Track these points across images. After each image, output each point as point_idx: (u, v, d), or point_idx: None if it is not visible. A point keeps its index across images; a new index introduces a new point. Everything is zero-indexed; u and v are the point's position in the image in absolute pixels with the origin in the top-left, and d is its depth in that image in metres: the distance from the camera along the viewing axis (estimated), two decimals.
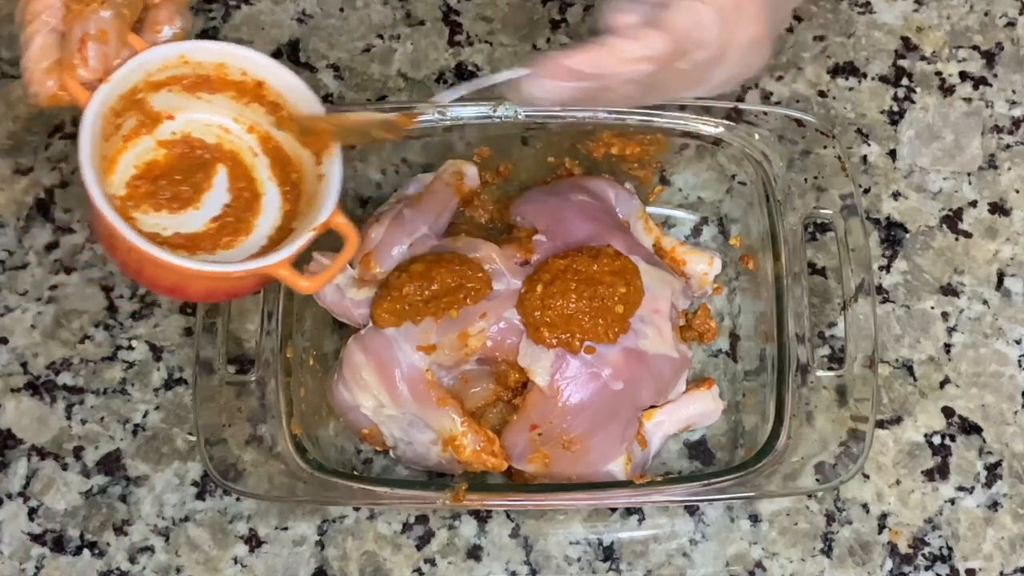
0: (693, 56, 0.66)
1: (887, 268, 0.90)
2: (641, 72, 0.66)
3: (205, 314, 0.82)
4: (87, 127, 0.69)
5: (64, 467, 0.85)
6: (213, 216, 0.75)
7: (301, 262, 0.76)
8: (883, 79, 0.96)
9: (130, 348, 0.88)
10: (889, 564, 0.82)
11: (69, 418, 0.87)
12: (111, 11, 0.68)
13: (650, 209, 0.90)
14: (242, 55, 0.73)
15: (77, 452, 0.86)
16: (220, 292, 0.75)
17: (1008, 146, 0.94)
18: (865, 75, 0.96)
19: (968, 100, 0.95)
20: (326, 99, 0.94)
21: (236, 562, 0.83)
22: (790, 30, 0.98)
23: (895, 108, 0.95)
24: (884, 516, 0.84)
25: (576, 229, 0.82)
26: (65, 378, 0.88)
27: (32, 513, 0.84)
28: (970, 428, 0.86)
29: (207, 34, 0.97)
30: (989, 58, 0.96)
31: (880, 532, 0.83)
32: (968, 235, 0.91)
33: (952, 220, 0.92)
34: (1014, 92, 0.95)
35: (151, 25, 0.71)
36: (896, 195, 0.92)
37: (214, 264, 0.71)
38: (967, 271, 0.90)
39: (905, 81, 0.96)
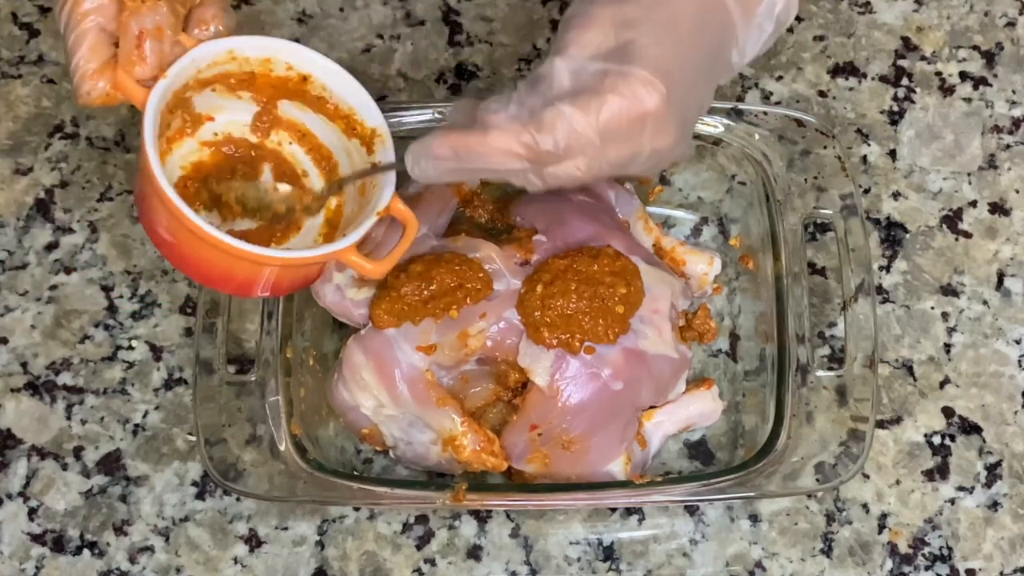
0: (571, 162, 0.66)
1: (887, 268, 0.90)
2: (512, 166, 0.66)
3: (205, 314, 0.82)
4: (150, 123, 0.68)
5: (64, 467, 0.85)
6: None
7: None
8: (883, 79, 0.96)
9: (130, 348, 0.88)
10: (889, 564, 0.82)
11: (69, 418, 0.87)
12: (167, 7, 0.68)
13: (650, 209, 0.90)
14: (289, 49, 0.74)
15: (77, 452, 0.86)
16: (283, 285, 0.75)
17: (1008, 146, 0.94)
18: (865, 75, 0.96)
19: (968, 100, 0.95)
20: None
21: (236, 562, 0.83)
22: (790, 30, 0.98)
23: (895, 108, 0.95)
24: (884, 516, 0.84)
25: (576, 229, 0.82)
26: (65, 378, 0.88)
27: (32, 513, 0.84)
28: (970, 428, 0.86)
29: None
30: (989, 58, 0.96)
31: (880, 532, 0.83)
32: (968, 235, 0.91)
33: (952, 220, 0.92)
34: (1014, 92, 0.95)
35: (197, 23, 0.71)
36: (896, 195, 0.92)
37: (289, 252, 0.72)
38: (967, 271, 0.90)
39: (905, 81, 0.96)
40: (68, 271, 0.90)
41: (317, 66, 0.74)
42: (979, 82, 0.96)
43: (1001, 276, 0.90)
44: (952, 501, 0.84)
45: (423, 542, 0.83)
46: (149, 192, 0.69)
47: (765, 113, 0.87)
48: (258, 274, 0.72)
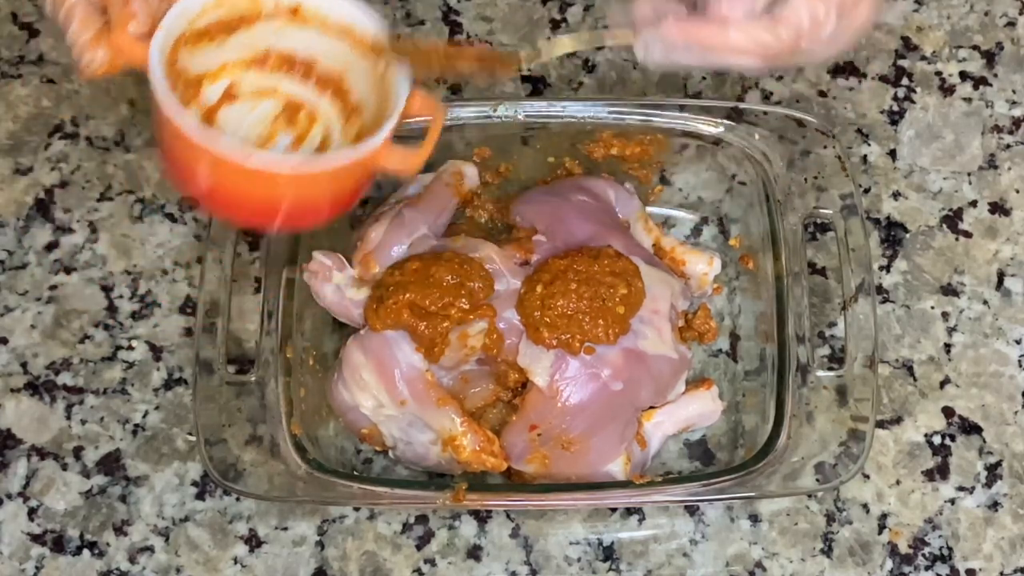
0: (804, 50, 0.68)
1: (887, 268, 0.90)
2: (744, 63, 0.68)
3: (205, 314, 0.82)
4: (156, 60, 0.67)
5: (64, 467, 0.85)
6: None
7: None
8: (883, 79, 0.96)
9: (130, 348, 0.88)
10: (889, 564, 0.82)
11: (69, 418, 0.87)
12: None
13: (650, 209, 0.90)
14: None
15: (77, 452, 0.86)
16: (325, 204, 0.72)
17: (1008, 146, 0.94)
18: (865, 75, 0.96)
19: (968, 100, 0.95)
20: None
21: (236, 562, 0.83)
22: None
23: (895, 108, 0.95)
24: (884, 516, 0.84)
25: (576, 229, 0.82)
26: (65, 378, 0.88)
27: (32, 513, 0.84)
28: (970, 428, 0.86)
29: None
30: (989, 58, 0.96)
31: (880, 532, 0.83)
32: (968, 235, 0.91)
33: (952, 220, 0.92)
34: (1014, 92, 0.95)
35: None
36: (896, 195, 0.92)
37: (315, 157, 0.69)
38: (967, 271, 0.90)
39: (905, 81, 0.96)
40: (68, 271, 0.90)
41: None
42: (979, 82, 0.96)
43: (1001, 276, 0.90)
44: (952, 501, 0.84)
45: (423, 542, 0.83)
46: (168, 134, 0.68)
47: (765, 113, 0.87)
48: (274, 196, 0.69)
